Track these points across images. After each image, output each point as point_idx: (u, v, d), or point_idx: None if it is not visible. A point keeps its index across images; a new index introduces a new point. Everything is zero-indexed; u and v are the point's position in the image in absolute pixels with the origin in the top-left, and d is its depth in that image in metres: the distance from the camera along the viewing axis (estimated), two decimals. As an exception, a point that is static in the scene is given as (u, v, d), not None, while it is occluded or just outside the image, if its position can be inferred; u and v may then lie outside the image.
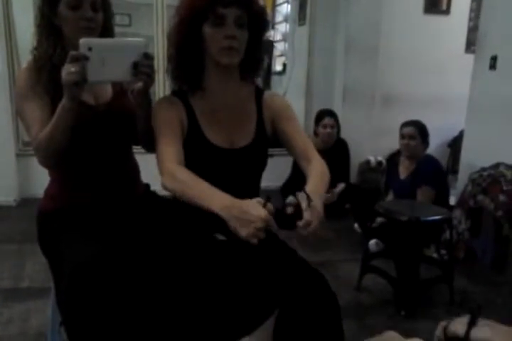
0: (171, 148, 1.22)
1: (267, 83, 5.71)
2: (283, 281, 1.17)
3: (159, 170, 1.20)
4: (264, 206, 1.05)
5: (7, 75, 3.64)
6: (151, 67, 1.20)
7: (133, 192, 1.52)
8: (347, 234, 3.29)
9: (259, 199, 1.08)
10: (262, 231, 1.02)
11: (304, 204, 1.09)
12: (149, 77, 1.21)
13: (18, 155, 3.81)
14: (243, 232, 1.02)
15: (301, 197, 1.11)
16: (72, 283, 1.20)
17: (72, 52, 1.13)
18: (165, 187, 1.17)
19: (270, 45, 5.70)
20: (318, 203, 1.13)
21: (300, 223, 1.08)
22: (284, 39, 5.85)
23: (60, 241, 1.33)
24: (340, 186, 3.43)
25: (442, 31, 4.37)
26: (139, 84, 1.25)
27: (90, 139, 1.40)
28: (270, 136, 1.40)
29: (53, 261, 1.39)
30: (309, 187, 1.18)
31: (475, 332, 0.75)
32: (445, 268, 2.40)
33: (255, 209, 1.04)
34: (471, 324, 0.75)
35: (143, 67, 1.18)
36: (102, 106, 1.42)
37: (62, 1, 1.34)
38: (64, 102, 1.19)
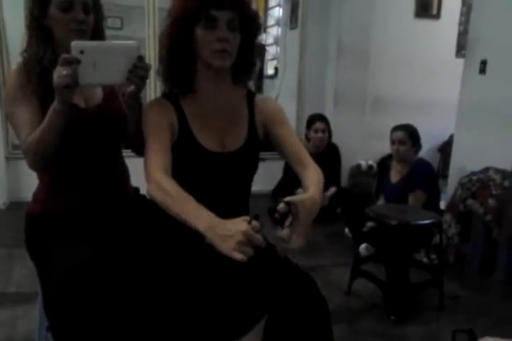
0: (159, 157, 1.20)
1: (259, 87, 5.72)
2: (273, 285, 1.16)
3: (146, 177, 1.18)
4: (249, 223, 1.03)
5: (-3, 77, 3.61)
6: (147, 69, 1.20)
7: (122, 196, 1.51)
8: (338, 238, 3.30)
9: (245, 217, 1.05)
10: (245, 246, 0.99)
11: (288, 220, 1.09)
12: (142, 80, 1.21)
13: (7, 159, 3.78)
14: (224, 248, 1.00)
15: (292, 209, 1.10)
16: (60, 287, 1.18)
17: (64, 55, 1.12)
18: (150, 197, 1.15)
19: (262, 48, 5.70)
20: (310, 216, 1.12)
21: (278, 232, 1.08)
22: (276, 43, 5.86)
23: (48, 245, 1.32)
24: (332, 190, 3.44)
25: (433, 35, 4.40)
26: (131, 87, 1.24)
27: (80, 142, 1.39)
28: (262, 140, 1.40)
29: (41, 265, 1.37)
30: (308, 196, 1.16)
31: None
32: (435, 272, 2.40)
33: (236, 224, 1.02)
34: None
35: (138, 70, 1.17)
36: (92, 109, 1.41)
37: (53, 3, 1.33)
38: (55, 105, 1.18)
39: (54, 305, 1.21)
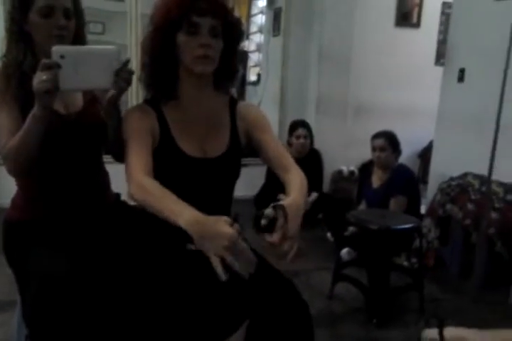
0: (140, 159, 1.20)
1: (242, 93, 5.73)
2: (254, 291, 1.17)
3: (127, 179, 1.18)
4: (231, 225, 1.02)
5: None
6: (131, 73, 1.21)
7: (103, 202, 1.50)
8: (320, 243, 3.31)
9: (226, 218, 1.04)
10: (228, 251, 0.99)
11: (279, 223, 1.08)
12: (128, 84, 1.21)
13: (-15, 164, 3.71)
14: (208, 250, 0.99)
15: (280, 213, 1.09)
16: (39, 295, 1.17)
17: (44, 60, 1.11)
18: (132, 197, 1.14)
19: (245, 55, 5.74)
20: (296, 221, 1.11)
21: (268, 237, 1.07)
22: (259, 49, 5.89)
23: (27, 253, 1.30)
24: (314, 195, 3.46)
25: (413, 44, 4.47)
26: (112, 92, 1.24)
27: (60, 148, 1.38)
28: (244, 147, 1.40)
29: (19, 272, 1.35)
30: (290, 201, 1.16)
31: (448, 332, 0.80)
32: (415, 276, 2.43)
33: (222, 226, 1.01)
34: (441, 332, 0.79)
35: (123, 73, 1.18)
36: (72, 116, 1.41)
37: (34, 8, 1.32)
38: (35, 110, 1.17)
39: (33, 313, 1.20)
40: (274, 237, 1.07)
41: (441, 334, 0.80)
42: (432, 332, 0.84)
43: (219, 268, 0.98)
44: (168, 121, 1.31)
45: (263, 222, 1.09)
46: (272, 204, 1.11)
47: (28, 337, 1.27)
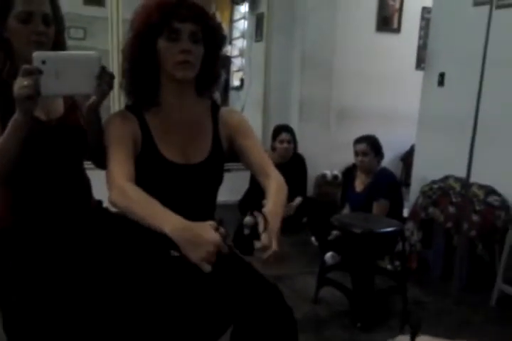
0: (122, 165, 1.19)
1: (225, 98, 5.74)
2: (237, 296, 1.17)
3: (108, 185, 1.17)
4: (217, 230, 1.03)
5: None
6: (112, 77, 1.21)
7: (85, 209, 1.49)
8: (304, 247, 3.32)
9: (211, 222, 1.05)
10: (214, 256, 0.99)
11: (261, 227, 1.08)
12: (110, 89, 1.21)
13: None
14: (194, 256, 1.00)
15: (259, 218, 1.10)
16: (19, 306, 1.15)
17: (25, 66, 1.10)
18: (113, 204, 1.13)
19: (228, 60, 5.75)
20: (275, 224, 1.12)
21: (257, 244, 1.07)
22: (242, 55, 5.91)
23: (7, 262, 1.28)
24: (298, 200, 3.47)
25: (394, 49, 4.53)
26: (93, 98, 1.23)
27: (41, 155, 1.36)
28: (226, 152, 1.40)
29: (0, 282, 1.33)
30: (268, 207, 1.17)
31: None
32: (399, 279, 2.45)
33: (208, 232, 1.01)
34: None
35: (105, 76, 1.18)
36: (53, 122, 1.39)
37: (12, 14, 1.30)
38: (16, 116, 1.15)
39: (14, 324, 1.18)
40: (263, 240, 1.07)
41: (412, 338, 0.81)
42: (403, 339, 0.85)
43: (206, 267, 0.99)
44: (150, 127, 1.30)
45: (246, 231, 1.10)
46: (249, 213, 1.12)
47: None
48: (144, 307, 1.17)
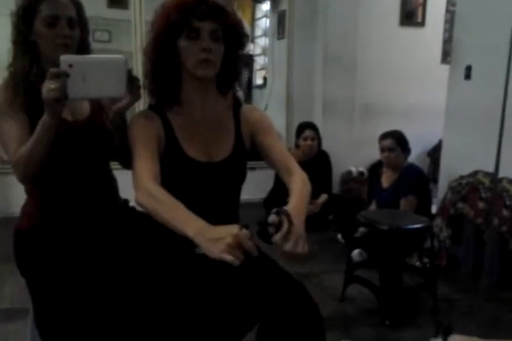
0: (147, 165, 1.20)
1: (248, 97, 5.75)
2: (263, 294, 1.16)
3: (134, 186, 1.18)
4: (240, 230, 1.02)
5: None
6: (138, 79, 1.24)
7: (111, 208, 1.51)
8: (330, 244, 3.31)
9: (235, 225, 1.04)
10: (235, 249, 0.98)
11: (284, 227, 1.08)
12: (139, 91, 1.24)
13: (-4, 174, 3.76)
14: (214, 250, 0.99)
15: (284, 217, 1.09)
16: (51, 303, 1.18)
17: (53, 69, 1.12)
18: (139, 204, 1.15)
19: (250, 59, 5.76)
20: (299, 224, 1.11)
21: (283, 249, 1.07)
22: (264, 53, 5.91)
23: (38, 261, 1.31)
24: (323, 197, 3.45)
25: (418, 43, 4.46)
26: (123, 102, 1.25)
27: (68, 156, 1.39)
28: (249, 149, 1.40)
29: (32, 280, 1.36)
30: (291, 204, 1.17)
31: None
32: (428, 276, 2.41)
33: (227, 229, 1.01)
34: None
35: (135, 81, 1.20)
36: (80, 123, 1.42)
37: (38, 18, 1.34)
38: (44, 119, 1.17)
39: (46, 321, 1.20)
40: (278, 236, 1.06)
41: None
42: None
43: (231, 259, 0.97)
44: (173, 126, 1.31)
45: (271, 230, 1.09)
46: (273, 211, 1.11)
47: (41, 344, 1.28)
48: (170, 304, 1.18)
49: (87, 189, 1.45)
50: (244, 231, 1.02)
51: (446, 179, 3.13)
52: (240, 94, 1.47)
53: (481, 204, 2.65)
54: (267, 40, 5.62)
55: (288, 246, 1.06)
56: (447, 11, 4.53)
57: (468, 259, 2.76)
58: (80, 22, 1.40)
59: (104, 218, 1.46)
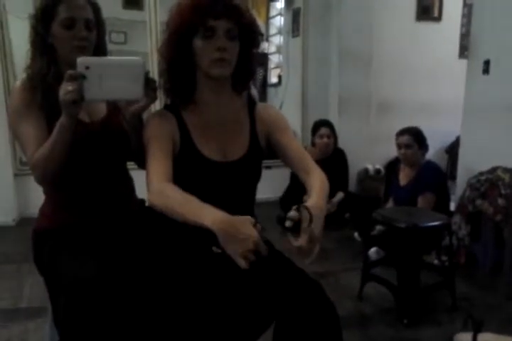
0: (159, 166, 1.21)
1: (263, 95, 5.74)
2: (279, 293, 1.16)
3: (147, 187, 1.19)
4: (254, 225, 1.03)
5: (3, 94, 3.64)
6: (154, 81, 1.25)
7: (128, 208, 1.52)
8: (347, 243, 3.28)
9: (249, 217, 1.05)
10: (251, 253, 0.99)
11: (305, 223, 1.08)
12: (155, 93, 1.25)
13: (16, 175, 3.81)
14: (231, 250, 1.00)
15: (304, 214, 1.09)
16: (69, 302, 1.19)
17: (70, 71, 1.13)
18: (152, 205, 1.15)
19: (265, 57, 5.75)
20: (318, 223, 1.11)
21: (294, 241, 1.07)
22: (279, 51, 5.90)
23: (56, 260, 1.32)
24: (339, 195, 3.43)
25: (435, 38, 4.41)
26: (140, 104, 1.26)
27: (85, 157, 1.40)
28: (264, 148, 1.40)
29: (50, 280, 1.38)
30: (311, 201, 1.16)
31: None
32: (446, 274, 2.38)
33: (247, 228, 1.01)
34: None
35: (152, 84, 1.22)
36: (96, 124, 1.43)
37: (56, 20, 1.35)
38: (62, 121, 1.19)
39: (64, 319, 1.22)
40: (301, 241, 1.06)
41: (475, 339, 0.77)
42: (465, 336, 0.81)
43: (244, 264, 0.99)
44: (187, 126, 1.32)
45: (287, 224, 1.09)
46: (295, 207, 1.11)
47: (60, 342, 1.29)
48: (187, 303, 1.18)
49: (104, 189, 1.46)
50: (258, 226, 1.03)
51: (465, 176, 3.08)
52: (255, 92, 1.46)
53: (500, 201, 2.61)
54: (282, 38, 5.61)
55: (300, 242, 1.06)
56: (464, 5, 4.47)
57: (488, 257, 2.71)
58: (97, 24, 1.41)
59: (120, 218, 1.47)
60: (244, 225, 1.02)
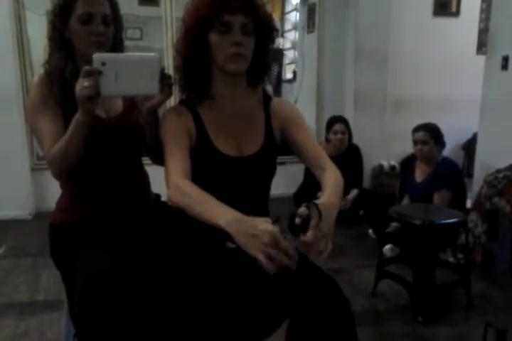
0: (178, 162, 1.21)
1: (278, 91, 5.73)
2: (294, 288, 1.16)
3: (166, 183, 1.20)
4: (272, 224, 1.02)
5: (21, 89, 3.69)
6: (171, 78, 1.25)
7: (143, 203, 1.53)
8: (361, 240, 3.27)
9: (267, 218, 1.05)
10: (270, 248, 0.98)
11: (313, 221, 1.07)
12: (171, 89, 1.25)
13: (32, 170, 3.86)
14: (251, 248, 0.99)
15: (314, 211, 1.08)
16: (85, 295, 1.20)
17: (86, 67, 1.14)
18: (171, 201, 1.16)
19: (280, 53, 5.73)
20: (329, 221, 1.10)
21: (302, 237, 1.06)
22: (294, 47, 5.87)
23: (71, 254, 1.34)
24: (354, 192, 3.41)
25: (452, 33, 4.36)
26: (155, 100, 1.27)
27: (102, 152, 1.41)
28: (279, 144, 1.39)
29: (66, 273, 1.40)
30: (324, 199, 1.16)
31: None
32: (462, 272, 2.36)
33: (263, 225, 1.01)
34: None
35: (167, 80, 1.22)
36: (113, 120, 1.44)
37: (74, 16, 1.36)
38: (78, 116, 1.20)
39: (79, 312, 1.23)
40: (308, 236, 1.06)
41: None
42: None
43: (266, 263, 0.98)
44: (203, 121, 1.32)
45: (297, 220, 1.08)
46: (304, 204, 1.10)
47: (75, 335, 1.31)
48: (200, 298, 1.18)
49: (120, 184, 1.47)
50: (276, 227, 1.02)
51: (482, 173, 3.05)
52: (269, 88, 1.46)
53: (518, 199, 2.57)
54: (297, 34, 5.58)
55: (308, 238, 1.05)
56: (483, 0, 4.40)
57: (505, 255, 2.68)
58: (114, 19, 1.41)
59: (136, 212, 1.48)
60: (259, 223, 1.02)
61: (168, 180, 1.20)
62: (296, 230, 1.08)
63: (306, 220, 1.08)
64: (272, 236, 0.98)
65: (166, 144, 1.26)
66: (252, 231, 1.00)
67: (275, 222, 1.05)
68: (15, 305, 2.32)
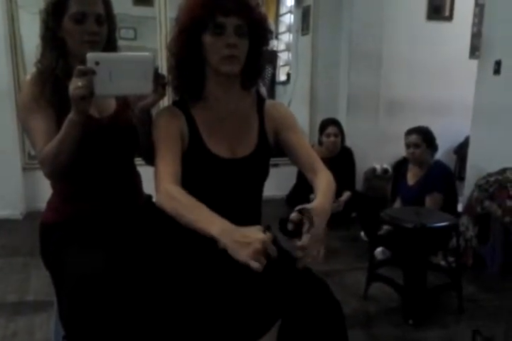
0: (169, 166, 1.21)
1: (272, 93, 5.73)
2: (285, 290, 1.16)
3: (156, 188, 1.19)
4: (264, 232, 1.03)
5: (13, 88, 3.67)
6: (164, 77, 1.25)
7: (135, 203, 1.52)
8: (353, 242, 3.28)
9: (259, 226, 1.05)
10: (261, 255, 0.99)
11: (305, 227, 1.08)
12: (164, 89, 1.25)
13: (24, 169, 3.83)
14: (241, 255, 1.00)
15: (306, 216, 1.09)
16: (74, 296, 1.19)
17: (80, 67, 1.13)
18: (160, 206, 1.15)
19: (274, 55, 5.73)
20: (321, 225, 1.11)
21: (298, 242, 1.07)
22: (288, 49, 5.88)
23: (62, 254, 1.33)
24: (346, 194, 3.42)
25: (446, 37, 4.38)
26: (149, 99, 1.26)
27: (94, 151, 1.40)
28: (272, 146, 1.39)
29: (55, 273, 1.38)
30: (315, 203, 1.16)
31: None
32: (453, 275, 2.37)
33: (253, 232, 1.02)
34: None
35: (161, 80, 1.21)
36: (106, 119, 1.43)
37: (67, 15, 1.35)
38: (71, 116, 1.19)
39: (69, 313, 1.22)
40: (302, 242, 1.06)
41: None
42: None
43: (258, 268, 0.99)
44: (196, 122, 1.31)
45: (289, 226, 1.09)
46: (296, 208, 1.11)
47: (64, 337, 1.29)
48: (192, 300, 1.18)
49: (111, 184, 1.47)
50: (268, 234, 1.03)
51: (473, 176, 3.06)
52: (263, 90, 1.46)
53: (509, 203, 2.59)
54: (291, 36, 5.59)
55: (302, 243, 1.06)
56: (476, 4, 4.40)
57: (495, 259, 2.69)
58: (107, 18, 1.41)
59: (127, 212, 1.47)
60: (251, 231, 1.03)
61: (157, 184, 1.19)
62: (289, 235, 1.08)
63: (298, 225, 1.08)
64: (263, 243, 0.99)
65: (157, 146, 1.25)
66: (244, 239, 1.00)
67: (266, 229, 1.05)
68: (4, 306, 2.31)
